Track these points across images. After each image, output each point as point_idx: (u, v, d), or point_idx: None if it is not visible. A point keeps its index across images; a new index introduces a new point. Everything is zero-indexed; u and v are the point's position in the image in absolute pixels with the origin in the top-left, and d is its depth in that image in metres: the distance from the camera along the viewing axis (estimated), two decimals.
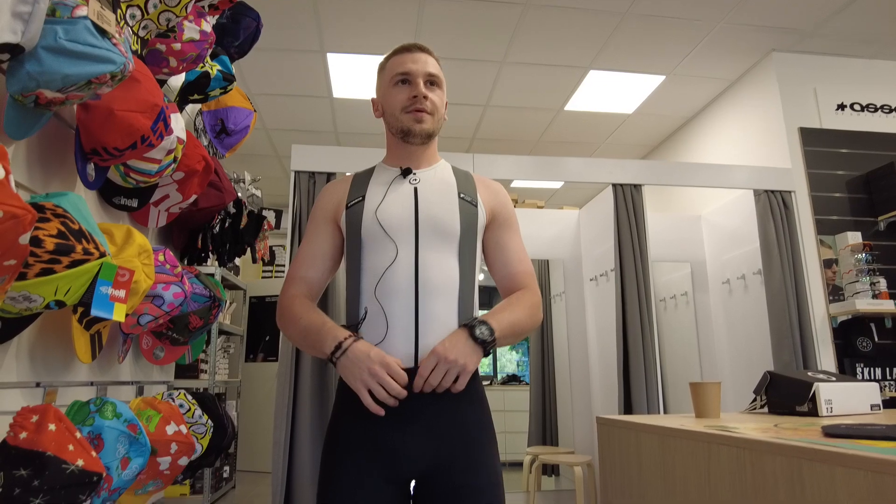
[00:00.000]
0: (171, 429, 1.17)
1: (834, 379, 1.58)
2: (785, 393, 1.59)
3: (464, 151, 4.81)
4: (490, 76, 3.93)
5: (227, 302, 4.61)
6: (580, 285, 3.70)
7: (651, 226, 3.03)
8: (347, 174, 1.33)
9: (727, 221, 3.56)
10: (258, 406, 5.11)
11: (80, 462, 0.84)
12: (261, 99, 4.15)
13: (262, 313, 5.39)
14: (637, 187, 3.03)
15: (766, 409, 1.68)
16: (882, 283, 3.06)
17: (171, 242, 1.66)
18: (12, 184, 0.71)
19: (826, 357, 3.06)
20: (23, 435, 0.82)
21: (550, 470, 3.86)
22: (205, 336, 1.61)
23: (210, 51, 1.32)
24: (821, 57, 3.61)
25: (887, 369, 3.09)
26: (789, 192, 3.16)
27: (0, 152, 0.70)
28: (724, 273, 3.55)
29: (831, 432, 1.03)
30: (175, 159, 1.22)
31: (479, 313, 1.18)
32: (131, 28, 1.11)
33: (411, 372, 1.07)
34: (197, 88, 1.46)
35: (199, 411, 1.34)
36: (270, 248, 6.09)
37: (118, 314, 0.97)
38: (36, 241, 0.80)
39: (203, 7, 1.29)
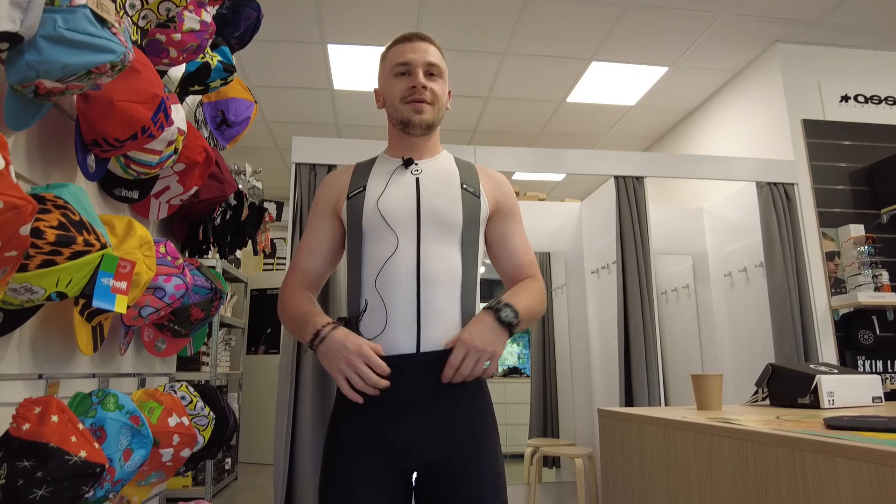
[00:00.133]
0: (173, 420, 1.17)
1: (836, 371, 1.58)
2: (787, 385, 1.59)
3: (465, 144, 4.79)
4: (492, 68, 3.91)
5: (229, 294, 4.62)
6: (581, 278, 3.70)
7: (653, 218, 3.02)
8: (349, 164, 1.31)
9: (729, 214, 3.55)
10: (259, 398, 5.13)
11: (82, 453, 0.84)
12: (261, 91, 4.13)
13: (264, 306, 5.40)
14: (639, 179, 3.02)
15: (767, 402, 1.68)
16: (884, 276, 3.06)
17: (172, 234, 1.66)
18: (12, 174, 0.70)
19: (827, 350, 3.06)
20: (26, 426, 0.83)
21: (551, 462, 3.87)
22: (206, 328, 1.60)
23: (210, 41, 1.31)
24: (825, 48, 3.59)
25: (888, 362, 3.09)
26: (792, 184, 3.15)
27: (0, 142, 0.70)
28: (725, 265, 3.54)
29: (833, 424, 1.03)
30: (176, 150, 1.21)
31: (480, 306, 1.18)
32: (131, 18, 1.10)
33: (412, 358, 1.07)
34: (197, 79, 1.45)
35: (200, 403, 1.34)
36: (271, 240, 6.09)
37: (120, 306, 0.96)
38: (37, 233, 0.79)
39: None
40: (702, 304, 3.65)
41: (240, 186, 1.80)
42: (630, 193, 2.99)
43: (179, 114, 1.20)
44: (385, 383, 1.03)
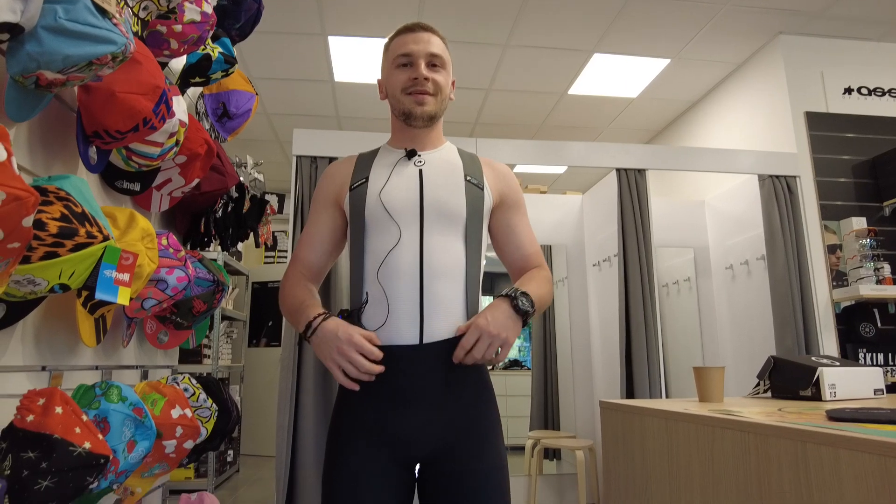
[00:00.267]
0: (176, 412, 1.17)
1: (838, 364, 1.58)
2: (789, 377, 1.59)
3: (466, 136, 4.78)
4: (493, 59, 3.90)
5: (230, 287, 4.62)
6: (583, 270, 3.70)
7: (654, 211, 3.02)
8: (352, 155, 1.31)
9: (731, 207, 3.54)
10: (261, 391, 5.15)
11: (87, 444, 0.84)
12: (262, 83, 4.12)
13: (265, 299, 5.41)
14: (641, 172, 3.01)
15: (769, 394, 1.68)
16: (886, 269, 3.05)
17: (173, 227, 1.66)
18: (14, 166, 0.70)
19: (829, 343, 3.06)
20: (30, 418, 0.83)
21: (552, 454, 3.89)
22: (208, 321, 1.61)
23: (211, 33, 1.30)
24: (828, 40, 3.57)
25: (890, 355, 3.09)
26: (794, 177, 3.14)
27: (2, 133, 0.69)
28: (727, 258, 3.54)
29: (836, 416, 1.03)
30: (177, 143, 1.21)
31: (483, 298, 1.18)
32: (131, 9, 1.10)
33: (415, 350, 1.07)
34: (198, 71, 1.44)
35: (203, 395, 1.35)
36: (273, 233, 6.09)
37: (122, 298, 0.96)
38: (39, 225, 0.79)
39: None
40: (703, 297, 3.65)
41: (241, 179, 1.80)
42: (632, 186, 2.98)
43: (181, 105, 1.19)
44: (379, 369, 1.02)
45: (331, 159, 2.71)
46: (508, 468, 1.14)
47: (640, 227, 2.93)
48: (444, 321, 1.08)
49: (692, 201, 3.86)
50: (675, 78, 4.11)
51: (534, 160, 3.19)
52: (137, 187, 1.28)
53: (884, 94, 3.54)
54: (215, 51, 1.45)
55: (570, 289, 3.75)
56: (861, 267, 3.08)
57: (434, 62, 1.19)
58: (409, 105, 1.18)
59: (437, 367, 1.07)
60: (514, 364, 5.39)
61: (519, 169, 5.08)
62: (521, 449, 3.74)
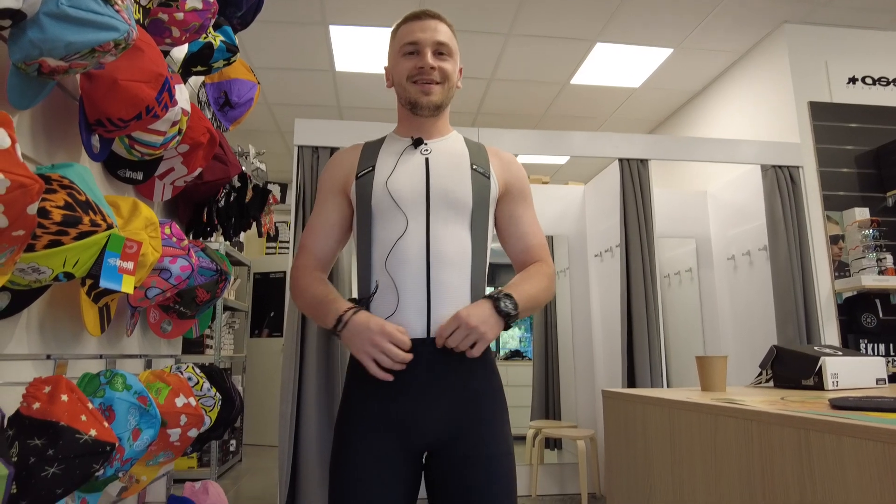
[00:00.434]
0: (180, 401, 1.18)
1: (840, 353, 1.58)
2: (791, 367, 1.59)
3: (468, 126, 4.76)
4: (495, 49, 3.87)
5: (232, 278, 4.63)
6: (585, 261, 3.70)
7: (657, 201, 3.01)
8: (357, 143, 1.30)
9: (733, 197, 3.53)
10: (263, 381, 5.17)
11: (92, 432, 0.84)
12: (263, 73, 4.09)
13: (267, 289, 5.42)
14: (643, 162, 3.01)
15: (771, 384, 1.69)
16: (888, 260, 3.05)
17: (176, 216, 1.66)
18: (19, 153, 0.70)
19: (830, 333, 3.07)
20: (36, 405, 0.83)
21: (553, 443, 3.90)
22: (211, 310, 1.61)
23: (213, 21, 1.29)
24: (833, 28, 3.54)
25: (891, 345, 3.10)
26: (797, 167, 3.13)
27: (5, 120, 0.69)
28: (729, 249, 3.53)
29: (839, 404, 1.03)
30: (180, 131, 1.20)
31: (488, 288, 1.18)
32: None
33: (423, 343, 1.07)
34: (200, 60, 1.44)
35: (207, 384, 1.35)
36: (275, 223, 6.08)
37: (127, 286, 0.96)
38: (43, 213, 0.79)
39: None
40: (705, 287, 3.65)
41: (243, 168, 1.79)
42: (634, 176, 2.97)
43: (183, 94, 1.18)
44: (409, 357, 1.04)
45: (332, 149, 2.70)
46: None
47: (642, 218, 2.92)
48: (451, 310, 1.08)
49: (694, 192, 3.85)
50: (678, 67, 4.09)
51: (536, 150, 3.18)
52: (140, 176, 1.28)
53: (888, 83, 3.51)
54: (217, 39, 1.44)
55: (571, 279, 3.75)
56: (863, 257, 3.07)
57: (441, 50, 1.18)
58: (415, 94, 1.18)
59: (444, 355, 1.07)
60: (516, 354, 5.41)
61: (521, 159, 5.06)
62: (522, 439, 3.76)
